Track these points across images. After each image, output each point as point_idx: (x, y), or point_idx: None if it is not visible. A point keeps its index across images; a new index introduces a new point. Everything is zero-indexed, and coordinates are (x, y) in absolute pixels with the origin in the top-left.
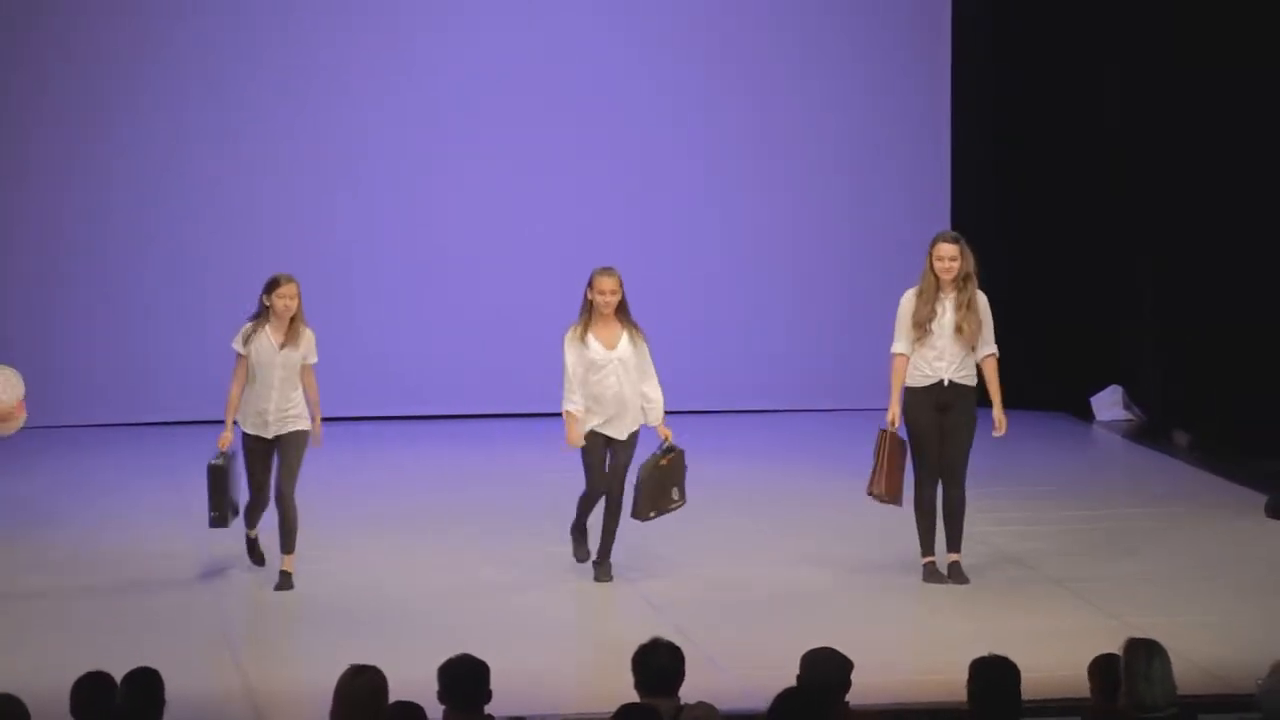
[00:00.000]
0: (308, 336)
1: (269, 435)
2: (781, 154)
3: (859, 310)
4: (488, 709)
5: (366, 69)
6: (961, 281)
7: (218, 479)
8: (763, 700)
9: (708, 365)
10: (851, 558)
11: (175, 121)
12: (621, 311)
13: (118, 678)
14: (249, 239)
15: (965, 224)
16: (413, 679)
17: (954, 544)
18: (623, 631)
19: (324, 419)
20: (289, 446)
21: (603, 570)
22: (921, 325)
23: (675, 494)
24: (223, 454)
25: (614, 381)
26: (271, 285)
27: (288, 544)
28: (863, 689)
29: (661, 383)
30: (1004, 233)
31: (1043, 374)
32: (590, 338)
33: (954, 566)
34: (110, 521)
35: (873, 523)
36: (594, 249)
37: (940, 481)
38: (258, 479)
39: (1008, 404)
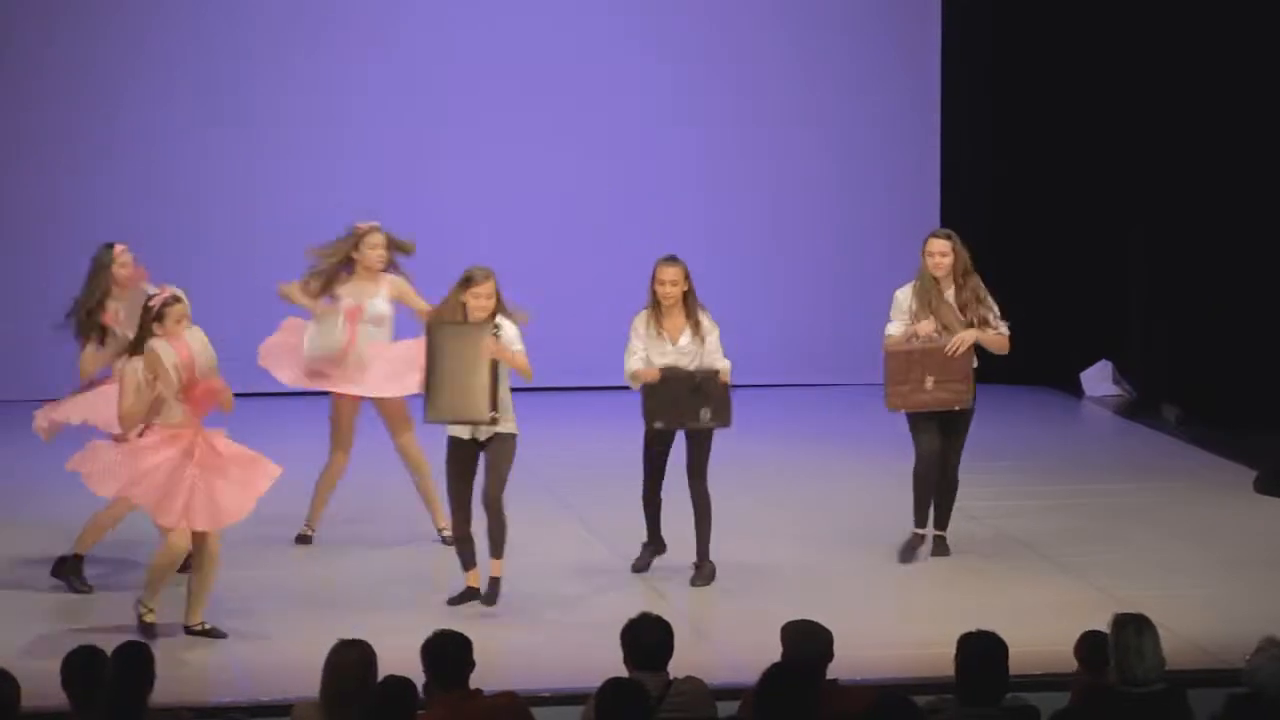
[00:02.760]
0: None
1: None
2: (776, 142)
3: (853, 287)
4: (476, 683)
5: (372, 54)
6: (962, 277)
7: None
8: (752, 675)
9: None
10: (841, 532)
11: (178, 105)
12: (689, 302)
13: (108, 652)
14: (254, 220)
15: (954, 209)
16: (401, 652)
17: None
18: (612, 606)
19: (325, 393)
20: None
21: (702, 573)
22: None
23: (705, 415)
24: None
25: None
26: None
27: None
28: (851, 663)
29: None
30: (993, 217)
31: (1032, 349)
32: (654, 330)
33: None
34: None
35: (863, 498)
36: (591, 234)
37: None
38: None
39: (998, 379)
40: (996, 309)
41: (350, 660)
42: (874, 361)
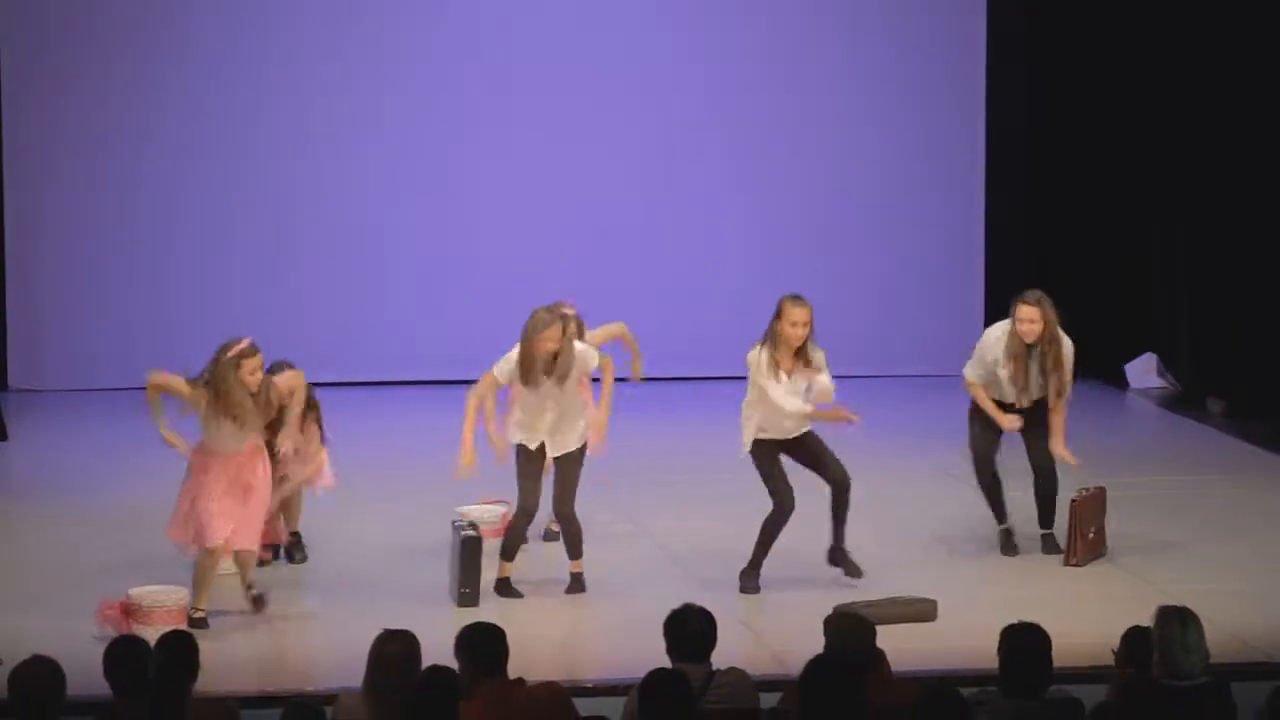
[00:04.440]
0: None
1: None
2: (822, 143)
3: (898, 286)
4: (518, 674)
5: (390, 43)
6: (1048, 344)
7: (473, 553)
8: (796, 666)
9: (740, 333)
10: (887, 524)
11: (199, 92)
12: (805, 344)
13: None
14: (273, 210)
15: (1000, 203)
16: (444, 644)
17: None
18: (655, 597)
19: (352, 384)
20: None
21: (850, 564)
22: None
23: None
24: (474, 525)
25: (792, 410)
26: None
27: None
28: (894, 655)
29: (695, 351)
30: (1040, 209)
31: (1077, 342)
32: (774, 368)
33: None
34: (141, 485)
35: (909, 490)
36: (619, 223)
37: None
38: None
39: None
40: (1070, 376)
41: (394, 651)
42: (917, 356)
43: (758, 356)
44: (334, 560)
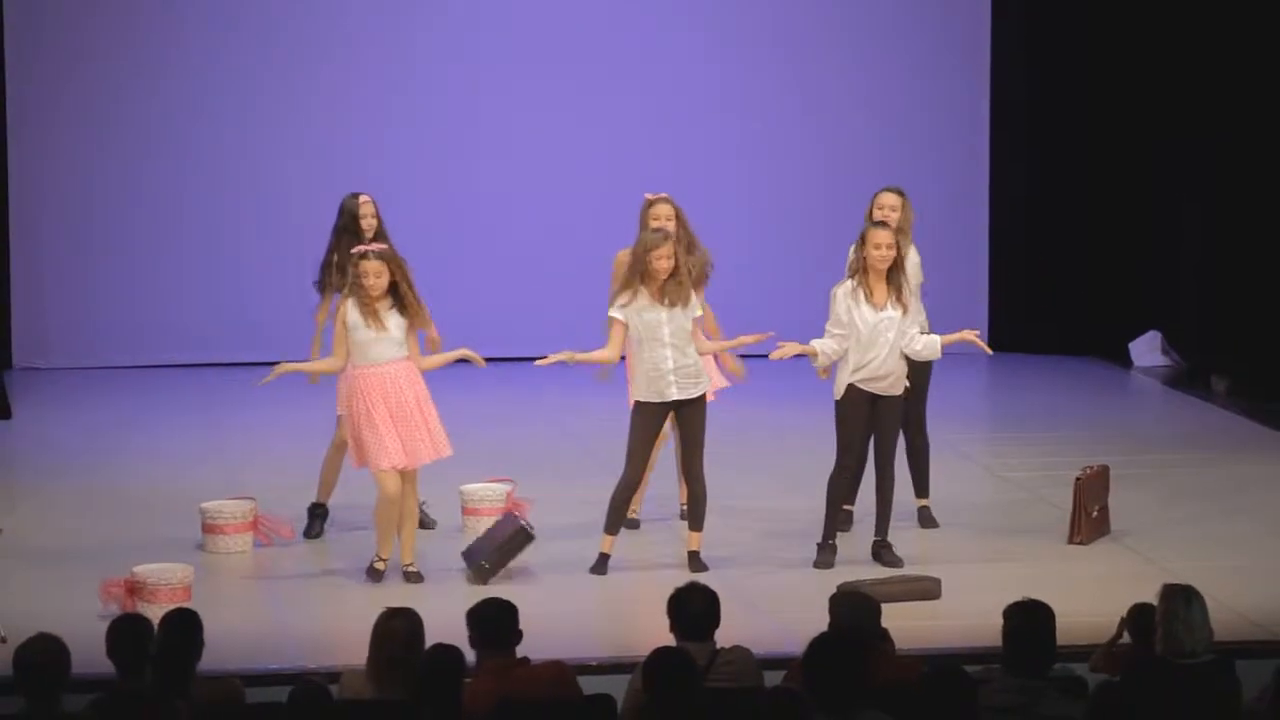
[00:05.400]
0: None
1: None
2: (813, 105)
3: None
4: (523, 651)
5: (400, 18)
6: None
7: (517, 544)
8: (799, 644)
9: (747, 313)
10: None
11: (207, 65)
12: (894, 269)
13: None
14: (274, 188)
15: (1003, 170)
16: (447, 622)
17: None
18: (659, 575)
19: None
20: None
21: (890, 553)
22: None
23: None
24: (530, 526)
25: (883, 343)
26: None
27: (697, 521)
28: (898, 633)
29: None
30: (1043, 187)
31: (1081, 320)
32: (861, 296)
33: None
34: (145, 463)
35: (908, 470)
36: (625, 198)
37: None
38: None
39: (1046, 349)
40: (914, 280)
41: (398, 628)
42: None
43: (840, 288)
44: (336, 537)
